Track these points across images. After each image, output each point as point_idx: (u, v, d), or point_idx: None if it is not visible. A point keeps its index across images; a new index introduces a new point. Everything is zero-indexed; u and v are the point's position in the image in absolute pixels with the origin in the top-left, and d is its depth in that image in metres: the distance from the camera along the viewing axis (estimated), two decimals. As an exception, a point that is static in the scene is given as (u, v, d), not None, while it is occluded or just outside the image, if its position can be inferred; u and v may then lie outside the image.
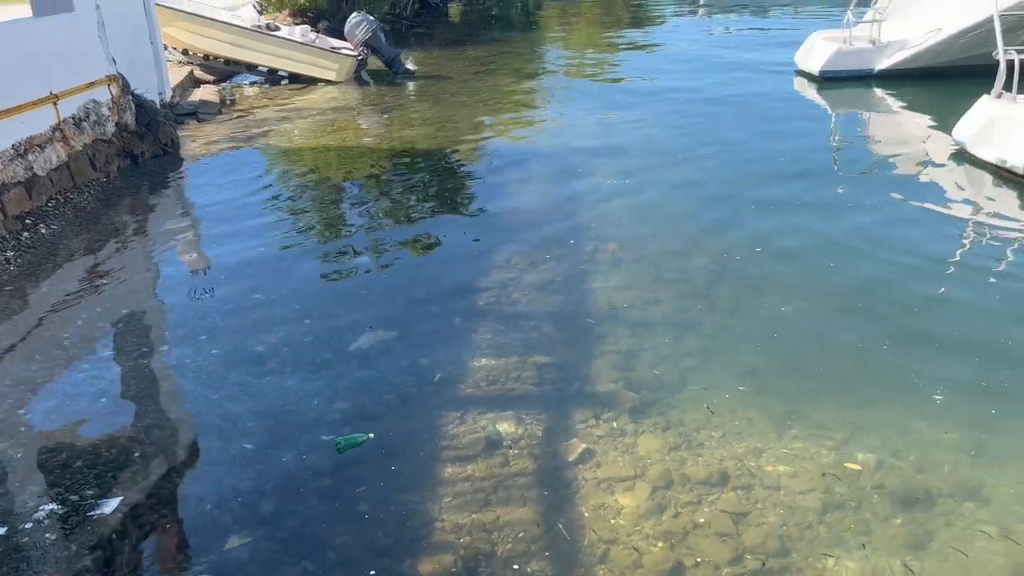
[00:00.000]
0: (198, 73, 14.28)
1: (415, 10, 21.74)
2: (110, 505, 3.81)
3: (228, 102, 12.93)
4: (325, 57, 14.27)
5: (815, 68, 13.00)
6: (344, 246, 7.10)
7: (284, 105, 12.81)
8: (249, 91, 13.97)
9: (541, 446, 4.20)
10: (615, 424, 4.35)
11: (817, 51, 13.17)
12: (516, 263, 6.44)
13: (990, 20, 9.00)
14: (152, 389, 4.92)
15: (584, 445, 4.18)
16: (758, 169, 8.62)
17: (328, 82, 14.22)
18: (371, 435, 4.27)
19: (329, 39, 14.85)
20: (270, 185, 8.87)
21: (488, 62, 16.24)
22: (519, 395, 4.66)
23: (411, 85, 14.21)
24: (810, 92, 12.69)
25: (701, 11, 24.78)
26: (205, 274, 6.59)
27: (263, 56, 14.26)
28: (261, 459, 4.15)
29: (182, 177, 9.37)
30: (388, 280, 6.32)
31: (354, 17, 14.58)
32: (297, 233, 7.39)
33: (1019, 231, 6.93)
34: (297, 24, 15.31)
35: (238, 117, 11.97)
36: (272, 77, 14.51)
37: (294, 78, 14.37)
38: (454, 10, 24.13)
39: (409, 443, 4.25)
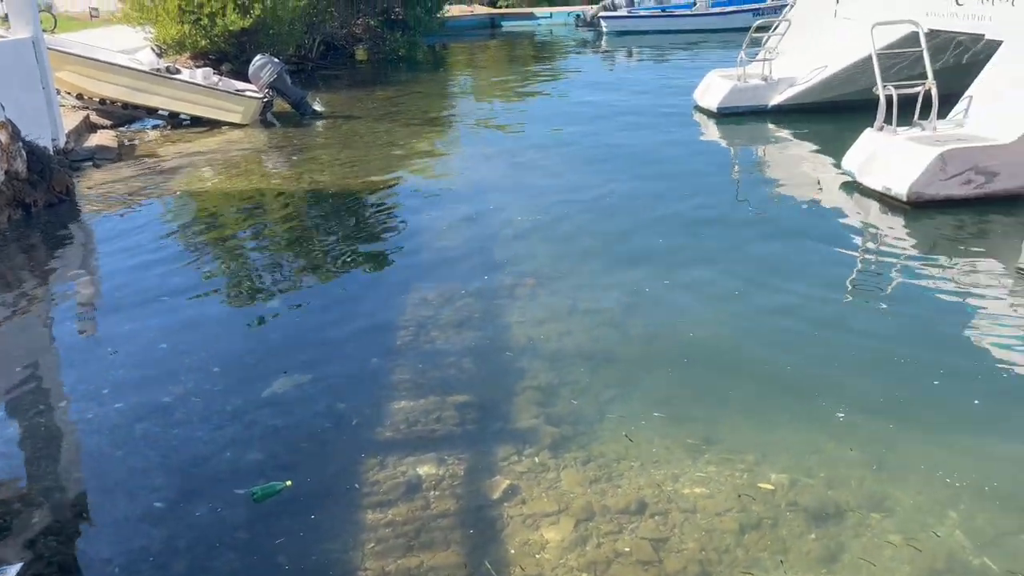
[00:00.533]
0: (94, 118, 13.80)
1: (321, 52, 21.64)
2: (8, 574, 3.58)
3: (127, 146, 12.53)
4: (229, 99, 14.03)
5: (713, 105, 13.56)
6: (254, 290, 6.95)
7: (187, 149, 12.50)
8: (150, 135, 13.58)
9: (464, 486, 4.17)
10: (537, 459, 4.37)
11: (714, 88, 13.76)
12: (433, 301, 6.43)
13: (869, 59, 9.63)
14: (51, 448, 4.67)
15: (507, 482, 4.18)
16: (663, 202, 8.91)
17: (233, 125, 13.97)
18: (289, 483, 4.16)
19: (233, 81, 14.62)
20: (173, 231, 8.61)
21: (398, 102, 16.30)
22: (440, 435, 4.63)
23: (319, 126, 14.12)
24: (709, 127, 13.22)
25: (603, 46, 26.09)
26: (107, 325, 6.32)
27: (163, 100, 13.92)
28: (172, 515, 3.98)
29: (79, 225, 9.00)
30: (301, 323, 6.21)
31: (258, 59, 14.41)
32: (204, 279, 7.18)
33: (905, 254, 7.37)
34: (199, 67, 15.01)
35: (139, 162, 11.61)
36: (174, 121, 14.17)
37: (197, 121, 14.08)
38: (360, 52, 24.12)
39: (328, 491, 4.15)
